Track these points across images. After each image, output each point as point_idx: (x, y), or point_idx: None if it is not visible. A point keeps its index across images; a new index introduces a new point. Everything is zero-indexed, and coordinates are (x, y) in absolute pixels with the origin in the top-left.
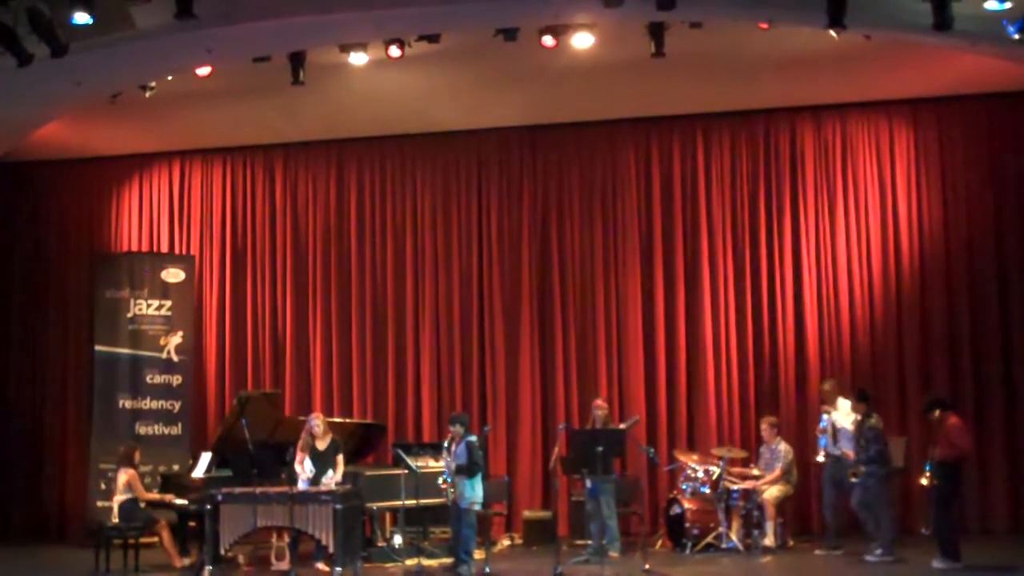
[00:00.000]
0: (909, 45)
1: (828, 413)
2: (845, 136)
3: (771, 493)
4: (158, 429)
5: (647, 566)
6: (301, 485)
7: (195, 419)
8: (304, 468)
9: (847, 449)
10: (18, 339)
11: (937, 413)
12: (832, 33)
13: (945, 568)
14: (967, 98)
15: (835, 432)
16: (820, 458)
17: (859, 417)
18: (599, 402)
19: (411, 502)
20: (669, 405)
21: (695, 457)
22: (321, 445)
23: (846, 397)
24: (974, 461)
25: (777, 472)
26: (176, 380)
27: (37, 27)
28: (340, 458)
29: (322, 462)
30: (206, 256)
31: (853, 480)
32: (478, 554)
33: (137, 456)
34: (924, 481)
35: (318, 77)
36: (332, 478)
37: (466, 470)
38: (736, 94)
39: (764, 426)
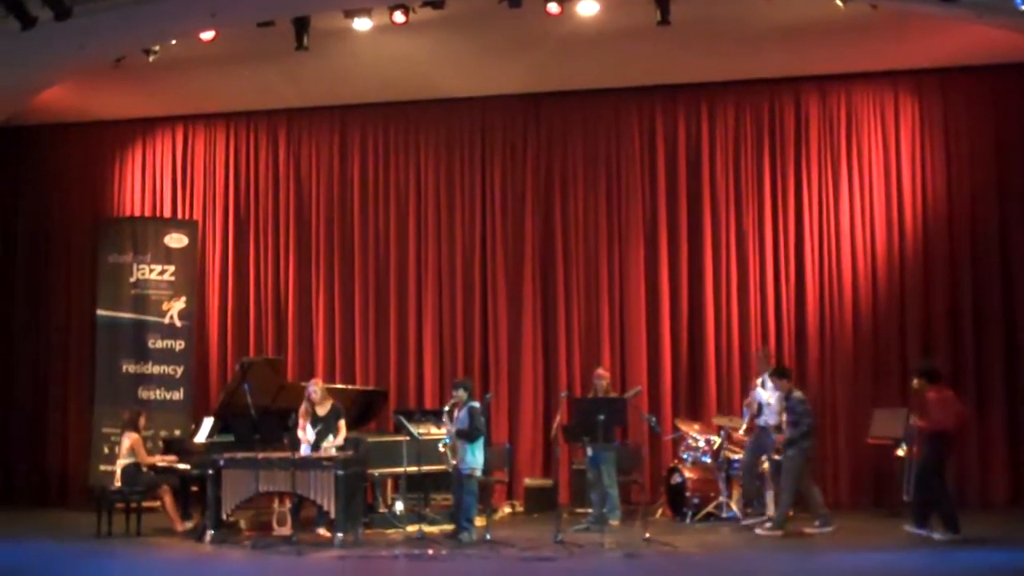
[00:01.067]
0: (915, 15)
1: (756, 388)
2: (850, 106)
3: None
4: (160, 394)
5: (647, 535)
6: (303, 451)
7: (197, 384)
8: (306, 434)
9: (772, 422)
10: (21, 303)
11: (916, 383)
12: (838, 2)
13: (945, 539)
14: (972, 69)
15: (760, 406)
16: (741, 431)
17: (782, 392)
18: (600, 371)
19: (413, 469)
20: (671, 374)
21: (696, 427)
22: (321, 411)
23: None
24: (973, 434)
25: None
26: (179, 345)
27: None
28: (342, 423)
29: (323, 428)
30: (209, 221)
31: (777, 457)
32: (479, 521)
33: (142, 421)
34: (900, 452)
35: (322, 42)
36: (333, 442)
37: (467, 434)
38: (741, 63)
39: None
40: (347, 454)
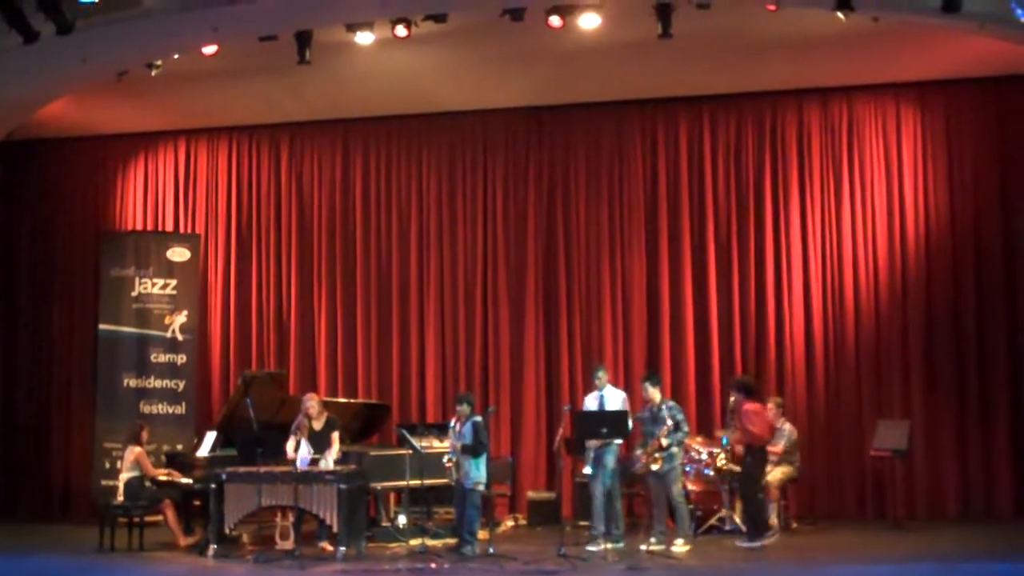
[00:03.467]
0: (917, 27)
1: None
2: (852, 119)
3: (774, 476)
4: (163, 408)
5: (650, 548)
6: (299, 465)
7: (200, 398)
8: (293, 451)
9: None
10: (24, 316)
11: (732, 398)
12: (840, 15)
13: (750, 547)
14: (975, 81)
15: None
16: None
17: (655, 402)
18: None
19: (415, 482)
20: (673, 387)
21: (699, 439)
22: (318, 425)
23: (615, 384)
24: (978, 446)
25: (780, 448)
26: (181, 359)
27: (43, 4)
28: (335, 435)
29: (319, 442)
30: (211, 235)
31: (638, 469)
32: (482, 534)
33: (144, 434)
34: (721, 464)
35: (324, 56)
36: (328, 455)
37: (471, 450)
38: (743, 76)
39: (770, 406)
40: (349, 468)
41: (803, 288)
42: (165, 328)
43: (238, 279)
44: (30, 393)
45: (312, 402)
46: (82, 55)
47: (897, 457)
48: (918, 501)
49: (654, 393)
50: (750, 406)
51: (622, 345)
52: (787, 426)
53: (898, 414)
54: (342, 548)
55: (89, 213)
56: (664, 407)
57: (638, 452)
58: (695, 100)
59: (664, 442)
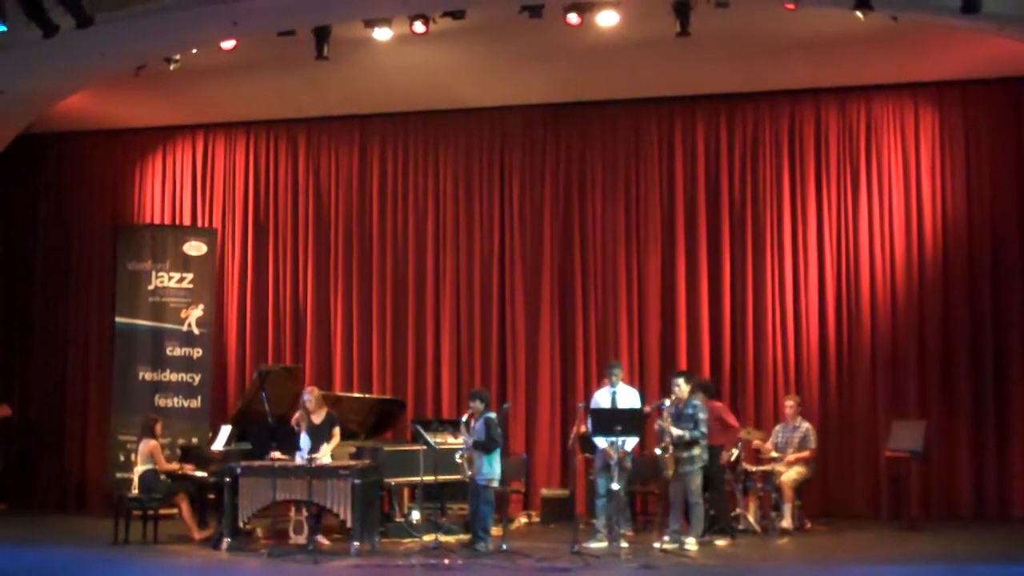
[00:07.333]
0: (936, 27)
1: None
2: (870, 118)
3: (789, 475)
4: (178, 401)
5: (663, 546)
6: (298, 460)
7: (215, 392)
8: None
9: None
10: (40, 309)
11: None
12: (858, 14)
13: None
14: (993, 81)
15: None
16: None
17: (684, 399)
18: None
19: (429, 478)
20: None
21: None
22: (316, 419)
23: (629, 382)
24: (992, 445)
25: (807, 452)
26: (197, 353)
27: None
28: (336, 431)
29: (317, 436)
30: (228, 229)
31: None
32: (495, 531)
33: (158, 427)
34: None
35: (342, 52)
36: (326, 450)
37: (483, 446)
38: (761, 75)
39: (789, 403)
40: (364, 463)
41: (819, 287)
42: (181, 322)
43: (254, 273)
44: (46, 385)
45: (310, 395)
46: (101, 49)
47: (913, 458)
48: (933, 502)
49: (685, 389)
50: (721, 404)
51: (637, 342)
52: (805, 424)
53: (913, 414)
54: (356, 543)
55: (106, 206)
56: (690, 405)
57: (659, 453)
58: (713, 98)
59: (674, 432)
